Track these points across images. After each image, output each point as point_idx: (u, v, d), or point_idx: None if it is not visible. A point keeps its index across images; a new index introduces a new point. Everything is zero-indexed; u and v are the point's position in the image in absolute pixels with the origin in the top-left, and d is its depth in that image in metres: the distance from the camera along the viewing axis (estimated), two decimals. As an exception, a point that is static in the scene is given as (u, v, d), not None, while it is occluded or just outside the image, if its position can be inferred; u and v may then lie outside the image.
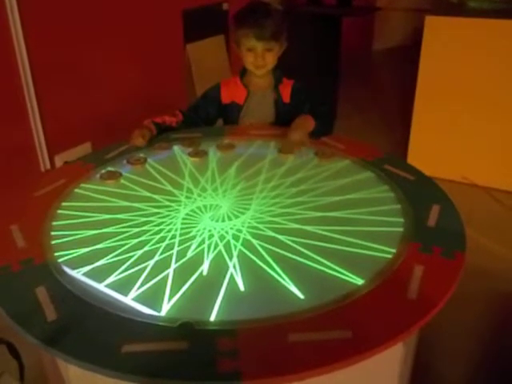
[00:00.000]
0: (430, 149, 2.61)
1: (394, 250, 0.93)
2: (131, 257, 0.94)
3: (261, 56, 1.52)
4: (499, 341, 1.61)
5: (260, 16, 1.50)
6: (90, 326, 0.77)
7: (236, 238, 0.99)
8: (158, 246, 0.97)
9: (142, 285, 0.86)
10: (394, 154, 1.36)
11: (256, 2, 1.58)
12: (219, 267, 0.90)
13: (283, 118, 1.57)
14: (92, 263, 0.92)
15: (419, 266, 0.88)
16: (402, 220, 1.03)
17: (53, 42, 2.12)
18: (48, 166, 2.19)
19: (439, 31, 2.44)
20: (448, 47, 2.45)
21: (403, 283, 0.84)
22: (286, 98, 1.60)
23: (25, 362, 0.92)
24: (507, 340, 1.60)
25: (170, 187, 1.19)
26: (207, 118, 1.63)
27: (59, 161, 2.22)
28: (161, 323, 0.77)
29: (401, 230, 1.00)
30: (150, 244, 0.97)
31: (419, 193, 1.13)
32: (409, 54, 3.15)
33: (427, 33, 2.46)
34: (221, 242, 0.98)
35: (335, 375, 0.71)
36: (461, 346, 1.57)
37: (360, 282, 0.85)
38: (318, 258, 0.92)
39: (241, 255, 0.93)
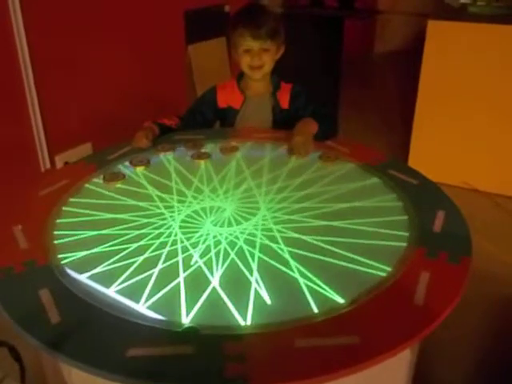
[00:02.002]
0: (431, 153, 2.61)
1: (400, 255, 0.92)
2: (136, 261, 0.92)
3: (257, 55, 1.50)
4: (500, 345, 1.60)
5: (256, 15, 1.50)
6: (94, 330, 0.76)
7: (250, 243, 0.97)
8: (159, 252, 0.95)
9: (151, 290, 0.85)
10: (395, 158, 1.36)
11: (252, 4, 1.58)
12: (228, 278, 0.88)
13: (280, 125, 1.56)
14: (96, 266, 0.91)
15: (426, 271, 0.88)
16: (407, 225, 1.02)
17: (55, 42, 2.12)
18: (48, 166, 2.18)
19: (441, 35, 2.44)
20: (450, 51, 2.45)
21: (410, 289, 0.83)
22: (285, 104, 1.59)
23: (26, 364, 0.91)
24: (508, 344, 1.60)
25: (172, 189, 1.18)
26: (204, 121, 1.62)
27: (60, 161, 2.21)
28: (166, 327, 0.76)
29: (407, 234, 0.99)
30: (152, 248, 0.96)
31: (424, 198, 1.13)
32: (410, 57, 3.15)
33: (429, 37, 2.46)
34: (232, 250, 0.95)
35: (341, 382, 0.71)
36: (461, 351, 1.57)
37: (367, 286, 0.84)
38: (328, 259, 0.91)
39: (251, 258, 0.92)
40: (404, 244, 0.96)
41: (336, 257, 0.93)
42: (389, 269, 0.89)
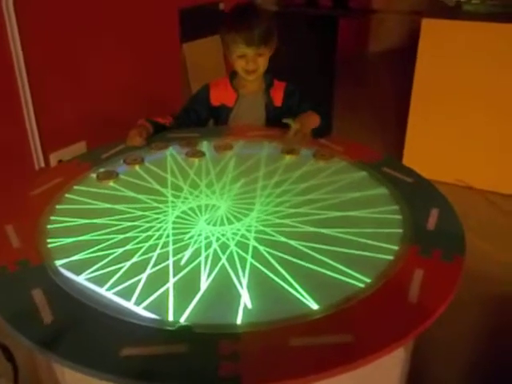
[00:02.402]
0: (426, 151, 2.62)
1: (394, 253, 0.93)
2: (128, 262, 0.91)
3: (252, 60, 1.50)
4: (494, 344, 1.61)
5: (248, 20, 1.47)
6: (87, 329, 0.75)
7: (241, 245, 0.96)
8: (151, 254, 0.94)
9: (145, 290, 0.85)
10: (390, 156, 1.36)
11: (243, 5, 1.55)
12: (223, 278, 0.87)
13: (274, 122, 1.56)
14: (89, 266, 0.90)
15: (419, 269, 0.88)
16: (401, 223, 1.02)
17: (48, 40, 2.10)
18: (42, 164, 2.17)
19: (436, 34, 2.44)
20: (444, 50, 2.45)
21: (404, 287, 0.84)
22: (278, 102, 1.59)
23: (19, 364, 0.91)
24: (502, 343, 1.61)
25: (166, 187, 1.18)
26: (198, 119, 1.62)
27: (54, 159, 2.20)
28: (160, 326, 0.76)
29: (401, 232, 0.99)
30: (143, 250, 0.95)
31: (418, 196, 1.13)
32: (405, 56, 3.15)
33: (424, 35, 2.46)
34: (222, 252, 0.94)
35: (335, 380, 0.70)
36: (456, 349, 1.57)
37: (360, 285, 0.85)
38: (321, 260, 0.91)
39: (242, 260, 0.92)
40: (397, 242, 0.96)
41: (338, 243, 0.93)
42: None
